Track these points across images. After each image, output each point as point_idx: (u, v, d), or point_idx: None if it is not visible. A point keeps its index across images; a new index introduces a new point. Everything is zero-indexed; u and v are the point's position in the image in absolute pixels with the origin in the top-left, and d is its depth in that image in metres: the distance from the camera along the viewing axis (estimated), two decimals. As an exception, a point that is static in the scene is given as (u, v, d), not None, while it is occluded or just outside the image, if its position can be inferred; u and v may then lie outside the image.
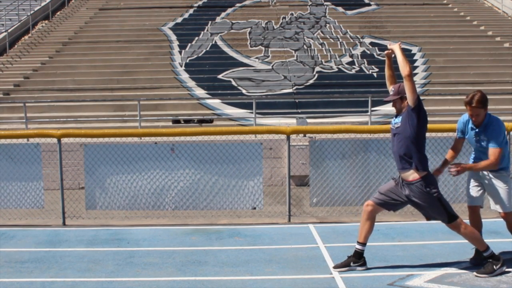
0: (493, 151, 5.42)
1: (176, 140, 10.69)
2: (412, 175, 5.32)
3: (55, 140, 8.49)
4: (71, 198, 9.06)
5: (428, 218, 5.57)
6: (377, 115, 15.72)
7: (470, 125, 5.54)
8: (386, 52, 5.60)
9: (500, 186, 5.53)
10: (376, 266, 5.71)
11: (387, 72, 5.67)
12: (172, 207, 8.30)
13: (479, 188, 5.73)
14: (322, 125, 12.57)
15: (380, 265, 5.76)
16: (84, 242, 7.00)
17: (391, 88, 5.50)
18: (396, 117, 5.48)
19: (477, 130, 5.50)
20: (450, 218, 5.36)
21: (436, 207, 5.35)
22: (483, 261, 5.47)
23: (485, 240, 5.52)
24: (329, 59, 20.13)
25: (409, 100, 5.24)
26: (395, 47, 5.41)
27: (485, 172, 5.57)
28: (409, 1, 25.20)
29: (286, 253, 6.30)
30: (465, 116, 5.62)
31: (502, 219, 5.76)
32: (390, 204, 5.58)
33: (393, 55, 5.50)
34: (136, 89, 18.07)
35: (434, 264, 5.77)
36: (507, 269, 5.44)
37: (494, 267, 5.35)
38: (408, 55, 19.36)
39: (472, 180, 5.72)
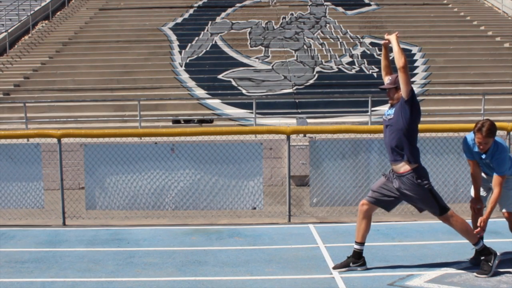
0: (497, 180, 5.43)
1: (176, 140, 10.69)
2: (403, 167, 5.32)
3: (55, 140, 8.50)
4: (71, 198, 9.07)
5: (420, 210, 5.59)
6: (377, 115, 15.69)
7: (476, 149, 5.52)
8: (383, 42, 5.60)
9: (508, 188, 5.58)
10: (376, 266, 5.71)
11: (383, 62, 5.68)
12: (172, 207, 8.30)
13: (483, 189, 5.76)
14: (322, 125, 12.57)
15: (380, 265, 5.76)
16: (84, 242, 7.00)
17: (388, 78, 5.51)
18: (389, 108, 5.48)
19: (483, 155, 5.50)
20: (441, 210, 5.37)
21: (427, 199, 5.35)
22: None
23: (485, 240, 5.52)
24: (329, 59, 20.13)
25: (403, 92, 5.25)
26: (392, 37, 5.42)
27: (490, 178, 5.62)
28: (409, 1, 25.19)
29: (286, 253, 6.30)
30: (469, 139, 5.58)
31: (503, 219, 5.79)
32: (383, 201, 5.57)
33: (390, 45, 5.50)
34: (136, 89, 18.06)
35: (434, 264, 5.77)
36: (507, 269, 5.45)
37: (490, 263, 5.35)
38: (408, 55, 19.40)
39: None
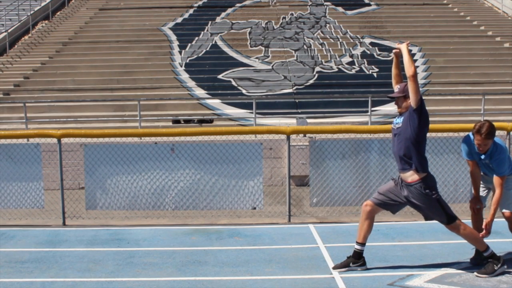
0: (498, 181, 5.44)
1: (176, 140, 10.69)
2: (411, 176, 5.32)
3: (55, 140, 8.50)
4: (71, 198, 9.07)
5: (426, 218, 5.58)
6: (377, 115, 15.72)
7: (476, 150, 5.52)
8: (394, 50, 5.61)
9: (508, 188, 5.58)
10: (376, 266, 5.71)
11: (393, 70, 5.67)
12: (172, 207, 8.30)
13: (484, 189, 5.76)
14: (322, 125, 12.57)
15: (380, 265, 5.76)
16: (84, 242, 7.00)
17: (397, 86, 5.51)
18: (397, 117, 5.49)
19: (482, 156, 5.50)
20: (449, 220, 5.37)
21: (435, 209, 5.35)
22: (483, 261, 5.48)
23: (485, 240, 5.52)
24: (329, 59, 20.13)
25: (412, 100, 5.25)
26: (403, 47, 5.43)
27: (492, 178, 5.61)
28: (409, 1, 25.19)
29: (286, 253, 6.30)
30: (468, 139, 5.59)
31: (503, 220, 5.79)
32: (389, 204, 5.58)
33: (400, 55, 5.51)
34: (136, 89, 18.05)
35: (434, 264, 5.77)
36: (507, 269, 5.45)
37: (495, 267, 5.36)
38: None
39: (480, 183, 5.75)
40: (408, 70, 5.21)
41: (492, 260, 5.39)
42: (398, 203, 5.55)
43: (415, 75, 5.20)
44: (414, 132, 5.27)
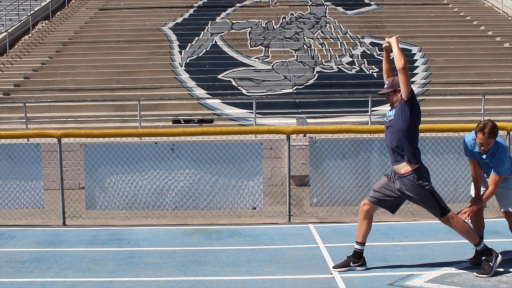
0: (494, 179, 5.45)
1: (176, 140, 10.69)
2: (404, 167, 5.34)
3: (55, 140, 8.50)
4: (71, 198, 9.07)
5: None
6: (377, 115, 15.70)
7: (477, 149, 5.52)
8: (384, 45, 5.63)
9: (508, 188, 5.59)
10: (376, 266, 5.71)
11: (384, 65, 5.71)
12: (172, 207, 8.30)
13: (484, 189, 5.76)
14: (322, 125, 12.57)
15: (380, 265, 5.76)
16: (84, 242, 7.00)
17: (386, 82, 5.53)
18: (390, 110, 5.51)
19: (484, 155, 5.50)
20: (442, 212, 5.37)
21: (428, 200, 5.36)
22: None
23: (486, 240, 5.52)
24: (329, 59, 20.13)
25: (403, 93, 5.28)
26: (392, 40, 5.46)
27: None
28: (409, 1, 25.20)
29: (286, 253, 6.30)
30: (469, 139, 5.59)
31: (503, 219, 5.79)
32: (385, 201, 5.58)
33: (391, 49, 5.53)
34: (136, 89, 18.06)
35: (434, 264, 5.77)
36: (507, 269, 5.45)
37: (491, 263, 5.35)
38: (408, 55, 19.41)
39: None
40: (398, 62, 5.24)
41: (487, 258, 5.38)
42: (394, 198, 5.55)
43: (405, 67, 5.22)
44: (406, 124, 5.29)
